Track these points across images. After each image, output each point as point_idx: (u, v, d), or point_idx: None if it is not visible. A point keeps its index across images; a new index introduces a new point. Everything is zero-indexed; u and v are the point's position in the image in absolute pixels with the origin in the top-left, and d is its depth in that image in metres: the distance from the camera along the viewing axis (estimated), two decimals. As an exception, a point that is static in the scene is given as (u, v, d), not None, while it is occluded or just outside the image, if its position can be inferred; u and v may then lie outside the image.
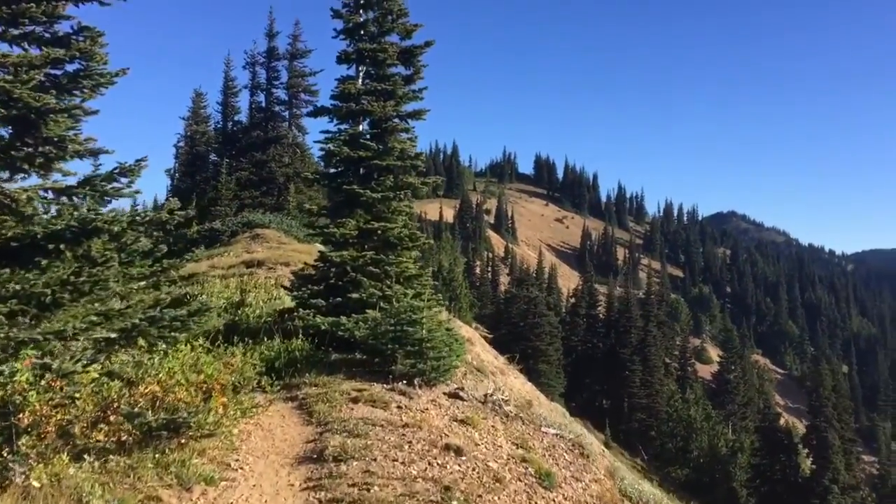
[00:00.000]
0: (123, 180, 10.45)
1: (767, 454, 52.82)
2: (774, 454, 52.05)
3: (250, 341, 14.43)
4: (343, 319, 14.08)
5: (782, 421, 64.88)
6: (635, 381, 71.87)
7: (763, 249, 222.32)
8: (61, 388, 7.09)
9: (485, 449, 9.74)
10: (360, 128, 16.08)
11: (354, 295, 14.55)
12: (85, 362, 7.79)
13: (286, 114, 48.09)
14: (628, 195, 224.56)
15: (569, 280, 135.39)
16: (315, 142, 45.44)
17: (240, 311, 18.70)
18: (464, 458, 8.70)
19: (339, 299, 14.64)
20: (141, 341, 8.78)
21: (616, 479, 12.48)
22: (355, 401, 10.83)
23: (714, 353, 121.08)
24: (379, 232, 15.25)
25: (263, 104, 48.32)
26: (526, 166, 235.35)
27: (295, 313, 14.52)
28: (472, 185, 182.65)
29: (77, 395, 7.15)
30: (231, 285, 25.26)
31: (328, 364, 13.07)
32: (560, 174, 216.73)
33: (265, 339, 13.98)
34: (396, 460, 8.21)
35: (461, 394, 12.19)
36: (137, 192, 10.72)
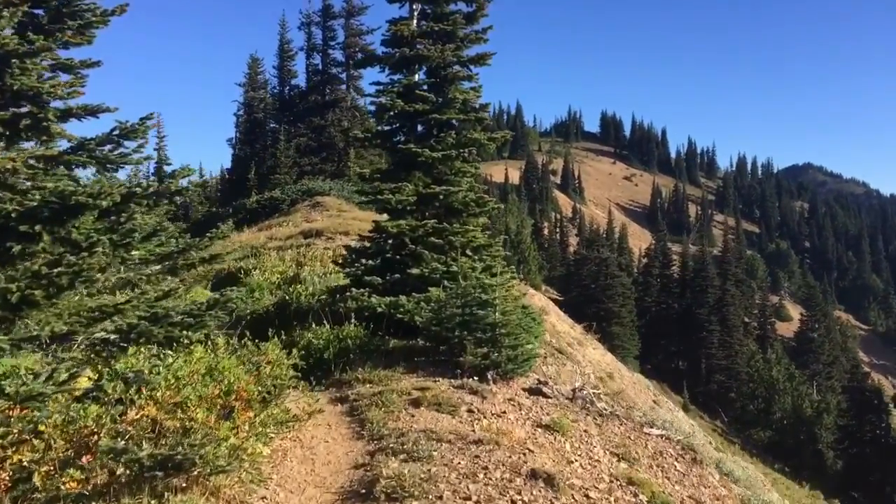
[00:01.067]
0: (129, 144, 8.68)
1: (855, 415, 49.41)
2: (862, 414, 48.62)
3: (298, 326, 12.68)
4: (402, 299, 12.17)
5: (870, 380, 61.06)
6: (713, 342, 69.27)
7: (843, 202, 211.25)
8: (24, 419, 5.33)
9: (580, 469, 7.68)
10: (416, 78, 13.96)
11: (414, 270, 12.60)
12: (63, 378, 6.01)
13: (344, 75, 46.27)
14: (699, 150, 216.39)
15: (639, 239, 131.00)
16: (366, 95, 43.47)
17: (292, 289, 17.01)
18: (556, 489, 6.64)
19: (396, 276, 12.71)
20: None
21: (737, 487, 10.28)
22: (416, 403, 8.89)
23: (793, 310, 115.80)
24: (441, 197, 13.20)
25: (320, 66, 46.57)
26: (592, 124, 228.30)
27: (347, 293, 12.66)
28: (538, 146, 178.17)
29: (42, 426, 5.37)
30: (287, 258, 23.74)
31: (385, 354, 11.19)
32: (627, 131, 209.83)
33: (313, 325, 12.16)
34: (469, 499, 6.21)
35: (544, 389, 10.13)
36: (147, 157, 8.97)
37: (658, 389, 42.20)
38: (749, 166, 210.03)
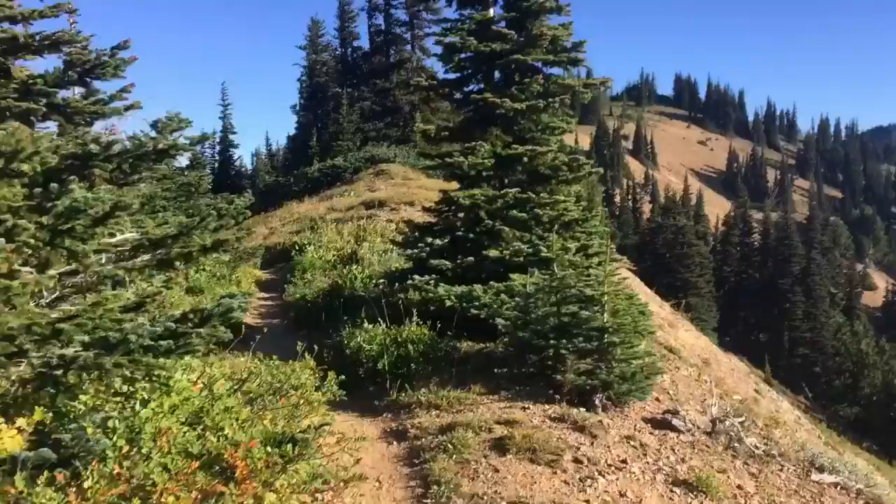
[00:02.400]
0: (105, 88, 6.43)
1: (953, 391, 45.33)
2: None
3: (349, 321, 10.27)
4: (477, 290, 9.61)
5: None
6: (797, 314, 66.51)
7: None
8: None
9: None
10: (492, 11, 11.20)
11: (492, 252, 10.01)
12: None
13: (408, 35, 43.46)
14: (778, 112, 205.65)
15: (714, 206, 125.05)
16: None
17: (346, 271, 14.64)
18: None
19: (469, 259, 10.14)
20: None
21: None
22: (501, 448, 6.35)
23: (879, 279, 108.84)
24: (524, 159, 10.53)
25: (383, 27, 43.88)
26: (665, 87, 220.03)
27: (409, 280, 10.17)
28: (609, 110, 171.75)
29: None
30: (345, 232, 21.44)
31: (456, 363, 8.65)
32: (703, 94, 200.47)
33: (365, 322, 9.71)
34: None
35: (674, 420, 7.41)
36: (133, 106, 6.63)
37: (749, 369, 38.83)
38: (832, 129, 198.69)
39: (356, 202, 28.10)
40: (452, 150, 10.75)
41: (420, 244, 10.69)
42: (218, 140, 59.74)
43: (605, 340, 7.65)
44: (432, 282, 10.04)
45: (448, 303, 9.55)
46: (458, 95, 11.45)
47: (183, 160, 18.63)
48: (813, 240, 76.76)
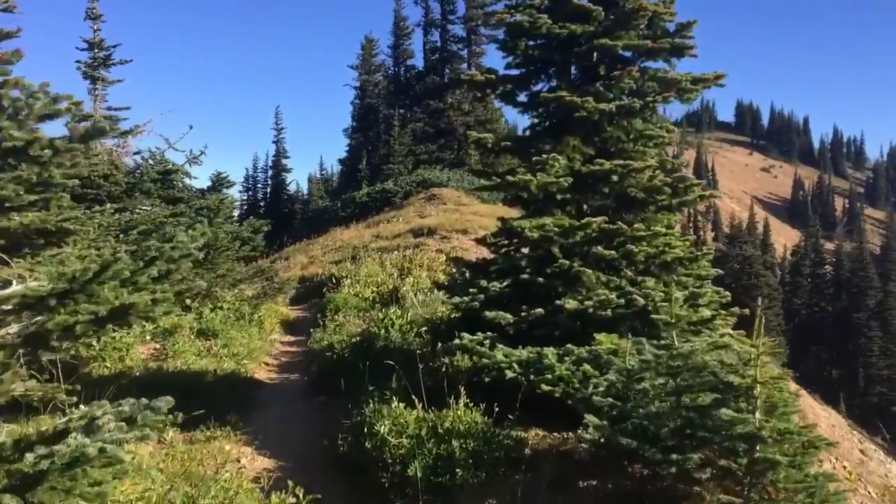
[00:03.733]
0: None
1: None
2: None
3: (376, 391, 7.67)
4: (549, 356, 6.96)
5: None
6: (873, 350, 61.27)
7: None
8: None
9: None
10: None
11: (569, 302, 7.33)
12: None
13: (464, 52, 41.30)
14: (845, 139, 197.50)
15: (780, 234, 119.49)
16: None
17: (383, 315, 12.08)
18: None
19: (538, 311, 7.45)
20: None
21: None
22: None
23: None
24: (613, 178, 7.84)
25: (438, 43, 41.83)
26: (726, 114, 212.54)
27: (457, 338, 7.52)
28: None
29: None
30: (389, 263, 18.95)
31: (522, 467, 5.93)
32: (765, 120, 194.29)
33: (393, 398, 7.08)
34: None
35: None
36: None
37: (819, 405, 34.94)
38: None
39: (404, 229, 25.68)
40: (516, 168, 8.12)
41: (472, 289, 8.03)
42: (270, 164, 58.70)
43: (759, 455, 4.85)
44: (487, 342, 7.39)
45: (509, 373, 6.89)
46: (522, 96, 8.81)
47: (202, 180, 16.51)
48: (890, 271, 71.50)
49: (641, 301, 7.23)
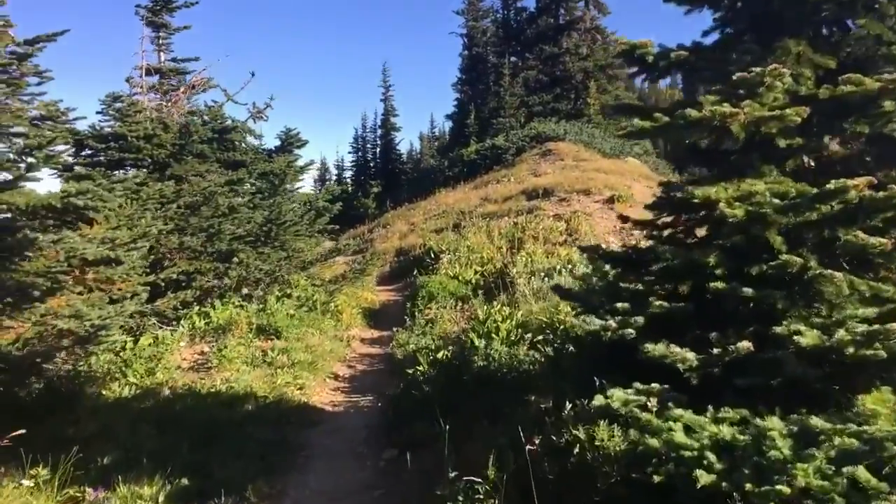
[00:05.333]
0: None
1: None
2: None
3: (459, 486, 4.65)
4: (773, 436, 3.66)
5: None
6: None
7: None
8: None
9: None
10: None
11: (803, 332, 3.99)
12: None
13: (582, -11, 36.91)
14: None
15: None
16: None
17: (485, 312, 8.99)
18: None
19: (744, 346, 4.14)
20: None
21: None
22: None
23: None
24: (885, 104, 4.32)
25: (552, -19, 37.65)
26: None
27: (598, 396, 4.34)
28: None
29: None
30: (497, 233, 15.84)
31: None
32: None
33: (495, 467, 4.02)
34: None
35: None
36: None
37: None
38: None
39: (516, 190, 22.44)
40: (697, 99, 4.74)
41: (620, 302, 4.81)
42: (379, 123, 56.61)
43: None
44: (653, 402, 4.20)
45: (702, 477, 3.68)
46: None
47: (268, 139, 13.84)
48: None
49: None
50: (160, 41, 15.91)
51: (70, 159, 11.13)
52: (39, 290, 8.11)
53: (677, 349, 4.41)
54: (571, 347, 6.22)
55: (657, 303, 4.70)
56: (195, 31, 25.30)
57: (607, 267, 5.67)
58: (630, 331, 4.58)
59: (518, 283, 10.53)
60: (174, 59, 16.07)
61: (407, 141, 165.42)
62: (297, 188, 15.53)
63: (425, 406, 6.66)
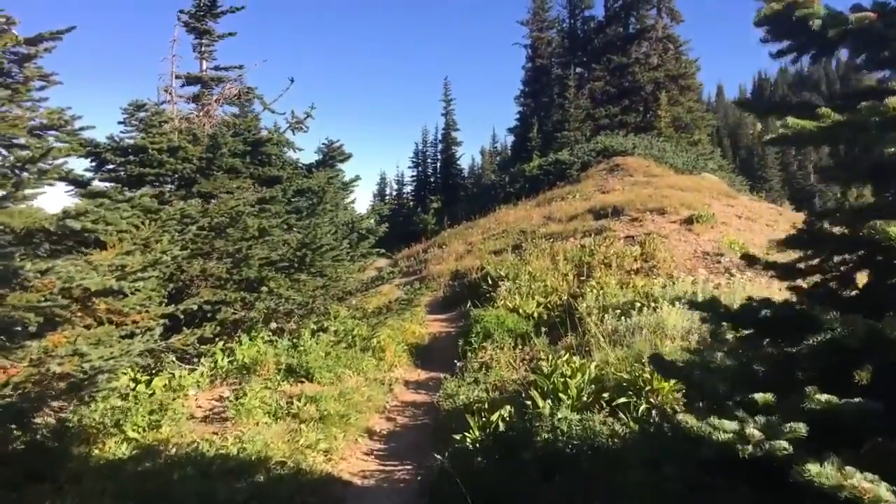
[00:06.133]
0: None
1: None
2: None
3: None
4: None
5: None
6: None
7: None
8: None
9: None
10: None
11: None
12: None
13: (653, -4, 35.01)
14: None
15: None
16: None
17: (550, 364, 7.37)
18: None
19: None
20: None
21: None
22: None
23: None
24: None
25: (621, -12, 35.86)
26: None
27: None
28: None
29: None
30: (562, 257, 14.24)
31: None
32: None
33: None
34: None
35: None
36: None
37: None
38: None
39: (582, 209, 20.73)
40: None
41: (754, 386, 3.21)
42: (440, 138, 55.60)
43: None
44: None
45: None
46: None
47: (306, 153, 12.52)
48: None
49: None
50: (202, 48, 14.89)
51: (88, 174, 10.07)
52: (33, 326, 6.91)
53: (859, 478, 2.80)
54: (670, 430, 4.60)
55: (821, 397, 3.09)
56: (241, 39, 24.39)
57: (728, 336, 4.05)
58: (783, 445, 2.98)
59: (588, 321, 8.92)
60: (216, 68, 15.04)
61: (468, 156, 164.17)
62: (349, 203, 14.27)
63: (473, 497, 5.14)
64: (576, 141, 33.23)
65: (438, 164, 56.52)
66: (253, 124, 11.02)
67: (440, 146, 55.86)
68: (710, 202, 19.53)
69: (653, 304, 8.84)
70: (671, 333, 8.10)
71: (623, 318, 8.68)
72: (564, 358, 7.23)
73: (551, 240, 17.02)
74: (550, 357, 7.33)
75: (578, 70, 36.97)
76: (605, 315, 8.98)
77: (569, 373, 6.83)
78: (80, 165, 32.12)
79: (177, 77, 13.78)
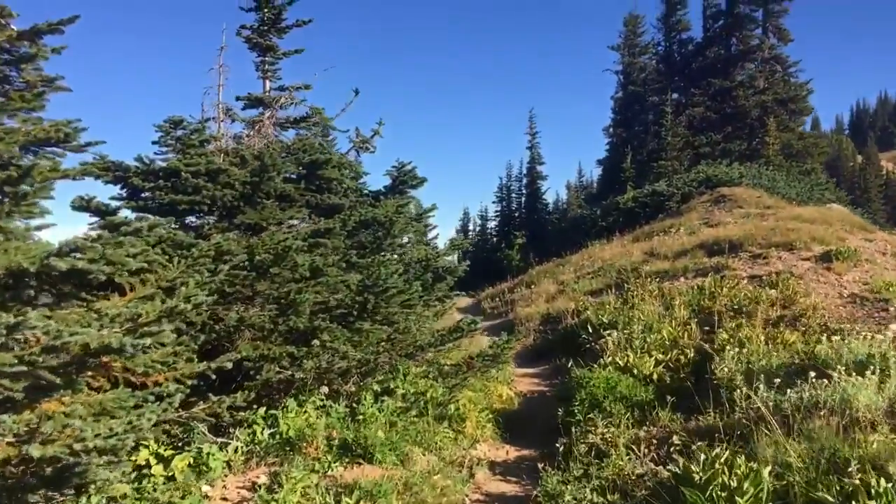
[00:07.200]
0: None
1: None
2: None
3: None
4: None
5: None
6: None
7: None
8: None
9: None
10: None
11: None
12: None
13: (759, 14, 32.23)
14: None
15: None
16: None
17: (703, 477, 5.15)
18: None
19: None
20: None
21: None
22: None
23: None
24: None
25: (723, 6, 33.24)
26: None
27: None
28: None
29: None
30: (679, 301, 11.91)
31: None
32: None
33: None
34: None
35: None
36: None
37: None
38: None
39: (691, 244, 18.25)
40: None
41: None
42: (525, 172, 53.80)
43: None
44: None
45: None
46: None
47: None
48: None
49: None
50: (265, 67, 13.42)
51: (115, 203, 8.53)
52: (19, 394, 5.30)
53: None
54: None
55: None
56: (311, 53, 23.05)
57: None
58: None
59: (735, 390, 6.64)
60: (280, 88, 13.53)
61: (553, 191, 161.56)
62: (426, 236, 12.44)
63: None
64: (674, 171, 30.63)
65: (523, 199, 54.59)
66: (309, 143, 9.31)
67: (525, 180, 53.99)
68: (845, 236, 16.76)
69: (818, 370, 6.50)
70: (864, 415, 5.77)
71: (786, 389, 6.37)
72: (722, 458, 4.99)
73: (658, 279, 14.68)
74: (702, 455, 5.09)
75: (675, 96, 34.41)
76: (757, 383, 6.67)
77: (734, 482, 4.61)
78: (106, 192, 30.95)
79: (237, 98, 12.30)
